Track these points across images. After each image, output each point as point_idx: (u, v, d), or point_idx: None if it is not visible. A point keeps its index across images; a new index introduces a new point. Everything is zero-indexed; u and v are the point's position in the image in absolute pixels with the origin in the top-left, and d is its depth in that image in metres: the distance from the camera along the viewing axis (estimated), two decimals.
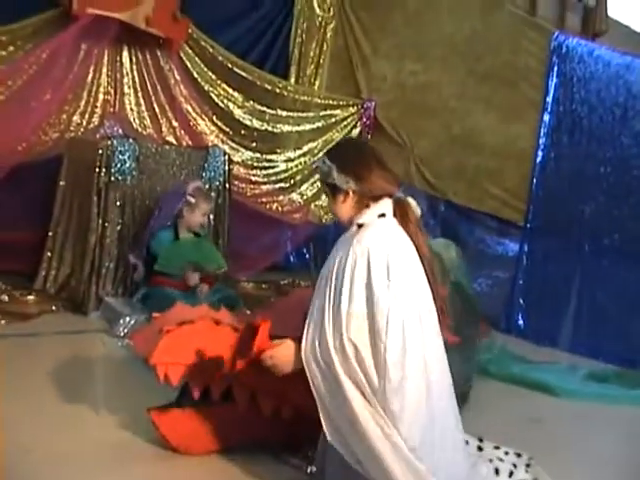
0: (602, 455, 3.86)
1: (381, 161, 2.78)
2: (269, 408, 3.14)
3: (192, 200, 5.15)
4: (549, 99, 5.84)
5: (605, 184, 5.55)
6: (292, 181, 6.77)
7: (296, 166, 6.80)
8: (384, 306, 2.53)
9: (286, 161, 6.76)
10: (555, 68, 5.82)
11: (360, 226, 2.70)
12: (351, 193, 2.71)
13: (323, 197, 6.77)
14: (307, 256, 7.27)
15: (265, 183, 6.65)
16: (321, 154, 6.47)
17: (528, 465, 3.17)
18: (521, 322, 5.95)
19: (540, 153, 5.85)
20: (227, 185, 5.85)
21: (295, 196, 6.78)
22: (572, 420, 4.34)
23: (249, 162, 6.59)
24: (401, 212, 2.75)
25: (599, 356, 5.45)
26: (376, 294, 2.54)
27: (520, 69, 6.08)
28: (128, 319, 4.91)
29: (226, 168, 5.81)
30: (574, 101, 5.70)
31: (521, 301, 5.97)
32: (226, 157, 5.84)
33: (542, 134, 5.84)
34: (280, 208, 6.67)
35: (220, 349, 3.01)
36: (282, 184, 6.72)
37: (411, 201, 2.83)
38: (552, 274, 5.80)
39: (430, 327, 2.71)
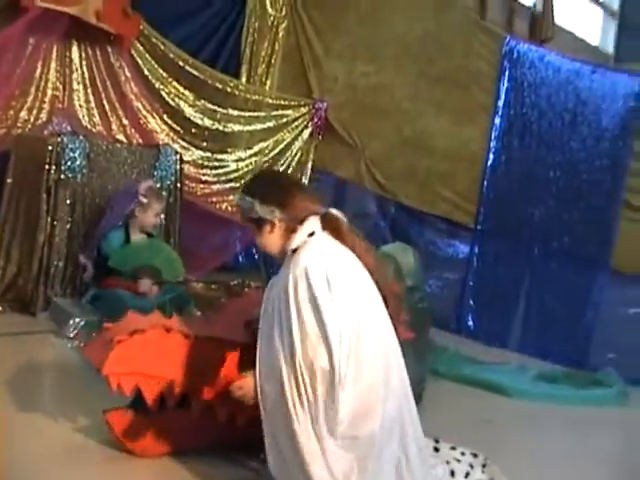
0: (554, 454, 3.95)
1: (299, 184, 2.95)
2: (224, 415, 3.14)
3: (144, 200, 5.08)
4: (500, 103, 5.95)
5: (554, 188, 5.68)
6: (242, 181, 6.61)
7: (247, 166, 6.77)
8: (332, 320, 2.53)
9: (237, 160, 6.72)
10: (506, 72, 5.94)
11: (294, 251, 2.70)
12: (277, 222, 2.75)
13: None
14: (256, 256, 7.15)
15: (215, 182, 6.62)
16: (271, 155, 6.73)
17: (484, 465, 3.18)
18: (471, 323, 6.05)
19: (491, 156, 5.96)
20: (179, 184, 5.81)
21: None
22: (523, 420, 4.44)
23: (199, 161, 6.54)
24: (331, 226, 2.76)
25: (548, 357, 5.59)
26: (323, 310, 2.53)
27: (472, 72, 6.16)
28: (78, 320, 4.83)
29: (177, 167, 5.77)
30: (525, 105, 5.81)
31: (471, 302, 6.07)
32: (177, 156, 5.80)
33: (493, 137, 5.95)
34: (230, 208, 6.60)
35: (172, 357, 3.05)
36: (232, 184, 6.66)
37: (335, 212, 2.82)
38: (502, 276, 5.91)
39: (384, 332, 2.72)
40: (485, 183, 5.98)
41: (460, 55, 6.24)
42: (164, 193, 5.66)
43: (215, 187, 6.61)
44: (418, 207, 6.41)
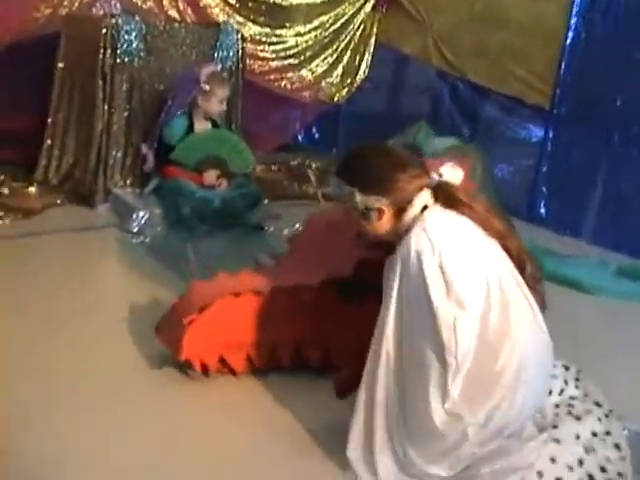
0: None
1: (400, 161, 2.54)
2: (317, 360, 3.16)
3: (207, 87, 4.89)
4: None
5: None
6: (302, 57, 6.48)
7: (306, 41, 6.50)
8: (447, 315, 2.35)
9: (296, 35, 6.44)
10: None
11: (407, 230, 2.49)
12: (385, 208, 2.52)
13: (334, 74, 6.64)
14: (316, 136, 7.13)
15: (274, 59, 6.38)
16: (332, 29, 6.44)
17: (577, 379, 2.99)
18: (543, 210, 5.85)
19: (570, 34, 5.56)
20: (240, 65, 5.59)
21: (305, 73, 6.51)
22: (609, 320, 4.31)
23: (257, 37, 6.28)
24: (445, 196, 2.54)
25: (623, 248, 5.38)
26: (435, 303, 2.35)
27: None
28: (142, 214, 4.78)
29: (239, 47, 5.54)
30: None
31: (544, 189, 5.84)
32: (239, 35, 5.56)
33: (574, 13, 5.53)
34: (289, 86, 6.46)
35: (246, 320, 3.03)
36: (291, 60, 6.44)
37: (448, 174, 2.61)
38: (577, 162, 5.62)
39: (517, 308, 2.49)
40: (563, 63, 5.62)
41: None
42: (225, 75, 5.40)
43: (274, 64, 6.40)
44: (487, 84, 6.09)
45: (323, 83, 6.60)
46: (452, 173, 2.61)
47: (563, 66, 5.66)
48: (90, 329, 3.47)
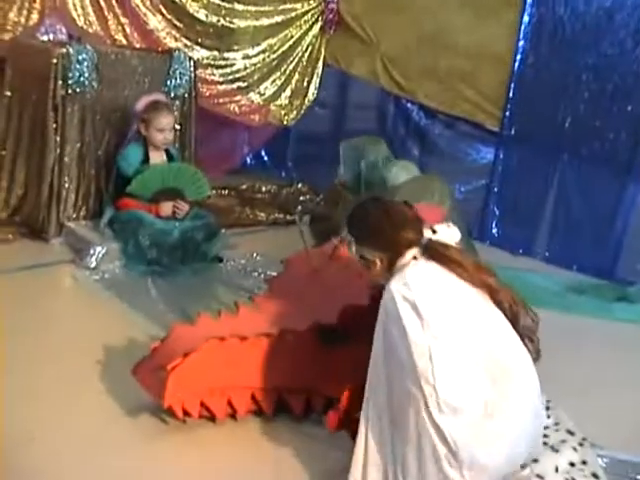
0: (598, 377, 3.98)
1: (397, 221, 2.71)
2: (300, 407, 3.21)
3: (145, 117, 4.92)
4: None
5: (586, 93, 5.52)
6: (250, 80, 6.56)
7: (254, 64, 6.57)
8: (422, 346, 2.46)
9: (244, 58, 6.51)
10: None
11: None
12: (378, 260, 2.72)
13: (283, 96, 6.68)
14: (265, 159, 7.19)
15: (222, 83, 6.44)
16: (280, 51, 6.52)
17: (547, 408, 3.09)
18: (495, 230, 6.04)
19: (519, 56, 5.77)
20: (193, 92, 5.61)
21: (254, 96, 6.59)
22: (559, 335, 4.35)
23: (205, 61, 6.34)
24: (434, 255, 2.67)
25: (574, 266, 5.61)
26: (411, 338, 2.47)
27: None
28: (99, 248, 4.75)
29: (191, 74, 5.55)
30: (556, 2, 5.57)
31: (495, 209, 6.04)
32: (191, 62, 5.56)
33: (521, 36, 5.74)
34: (238, 109, 6.52)
35: (232, 365, 3.05)
36: (240, 83, 6.52)
37: (443, 232, 2.76)
38: (528, 182, 5.83)
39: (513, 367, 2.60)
40: (512, 85, 5.82)
41: None
42: (177, 103, 5.47)
43: (222, 87, 6.44)
44: (438, 107, 6.26)
45: (272, 106, 6.66)
46: (447, 232, 2.77)
47: (512, 88, 5.84)
48: (52, 375, 3.42)
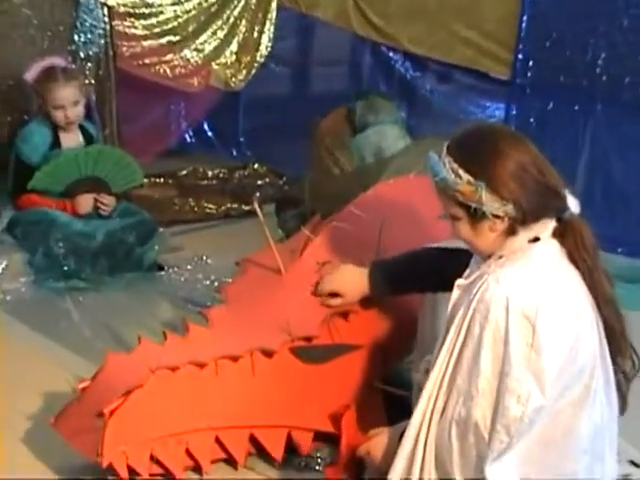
0: None
1: (542, 164, 2.29)
2: (279, 449, 2.94)
3: (39, 90, 4.47)
4: None
5: (625, 20, 5.01)
6: (184, 33, 5.89)
7: (187, 11, 5.87)
8: (519, 387, 2.16)
9: (173, 4, 5.80)
10: None
11: (500, 257, 2.31)
12: (506, 220, 2.27)
13: (228, 52, 6.15)
14: (210, 135, 6.79)
15: (146, 37, 5.76)
16: None
17: None
18: None
19: None
20: (110, 52, 5.11)
21: (189, 53, 5.96)
22: None
23: (122, 8, 5.55)
24: (568, 238, 2.32)
25: (617, 248, 5.14)
26: (512, 365, 2.17)
27: None
28: None
29: (106, 26, 5.06)
30: None
31: None
32: (105, 10, 5.03)
33: None
34: (170, 71, 5.92)
35: (190, 400, 2.75)
36: (170, 37, 5.85)
37: (572, 204, 2.35)
38: (551, 144, 4.97)
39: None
40: (524, 17, 5.33)
41: None
42: (90, 66, 5.00)
43: (147, 44, 5.78)
44: (427, 54, 5.78)
45: (214, 65, 6.09)
46: (574, 203, 2.35)
47: (524, 21, 5.40)
48: None
